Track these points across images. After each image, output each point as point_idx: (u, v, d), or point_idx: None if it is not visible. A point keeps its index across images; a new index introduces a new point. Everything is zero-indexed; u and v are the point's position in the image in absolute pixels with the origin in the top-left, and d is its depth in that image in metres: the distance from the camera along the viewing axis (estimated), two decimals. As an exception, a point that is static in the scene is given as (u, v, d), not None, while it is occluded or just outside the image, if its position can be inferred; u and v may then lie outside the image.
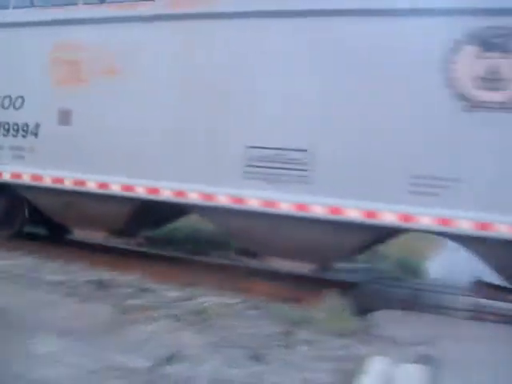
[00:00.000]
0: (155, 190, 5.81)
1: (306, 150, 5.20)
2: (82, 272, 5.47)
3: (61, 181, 6.26)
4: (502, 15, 4.65)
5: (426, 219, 4.77)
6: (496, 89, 4.63)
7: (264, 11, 5.31)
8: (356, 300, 4.71)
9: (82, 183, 6.14)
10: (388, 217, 4.87)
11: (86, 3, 6.33)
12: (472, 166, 4.68)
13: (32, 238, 7.20)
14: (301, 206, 5.18)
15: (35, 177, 6.42)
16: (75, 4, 6.35)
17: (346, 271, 6.69)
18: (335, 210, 5.05)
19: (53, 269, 5.54)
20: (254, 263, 6.43)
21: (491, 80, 4.64)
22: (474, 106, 4.69)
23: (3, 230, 7.00)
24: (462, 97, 4.72)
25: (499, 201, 4.57)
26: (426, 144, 4.83)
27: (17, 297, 4.42)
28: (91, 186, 6.10)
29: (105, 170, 6.01)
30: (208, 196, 5.56)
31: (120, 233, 6.74)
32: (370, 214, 4.93)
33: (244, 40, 5.43)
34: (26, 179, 6.48)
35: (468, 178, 4.67)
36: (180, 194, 5.70)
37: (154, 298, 4.76)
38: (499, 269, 4.90)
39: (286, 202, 5.24)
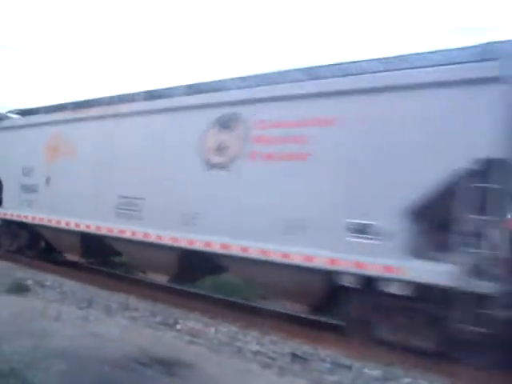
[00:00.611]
0: (78, 225, 9.23)
1: (142, 199, 8.13)
2: (278, 343, 5.66)
3: (42, 219, 10.08)
4: (227, 106, 7.16)
5: (184, 241, 7.32)
6: (221, 155, 7.08)
7: (119, 113, 8.62)
8: None
9: (50, 221, 9.86)
10: (167, 240, 7.52)
11: (72, 109, 10.31)
12: (208, 205, 7.13)
13: (229, 305, 7.99)
14: (134, 233, 8.08)
15: (33, 217, 10.36)
16: (64, 110, 10.38)
17: None
18: (147, 235, 7.86)
19: (251, 338, 5.79)
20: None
21: (220, 149, 7.12)
22: (211, 166, 7.20)
23: (29, 252, 11.11)
24: (206, 161, 7.27)
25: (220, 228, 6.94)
26: (187, 194, 7.42)
27: (220, 364, 4.64)
28: (53, 222, 9.77)
29: (59, 212, 9.64)
30: (98, 228, 8.77)
31: (82, 257, 10.19)
32: (159, 238, 7.64)
33: (112, 132, 8.73)
34: (29, 219, 10.47)
35: (207, 212, 7.14)
36: (88, 227, 9.00)
37: (351, 374, 4.68)
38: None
39: (129, 231, 8.18)
